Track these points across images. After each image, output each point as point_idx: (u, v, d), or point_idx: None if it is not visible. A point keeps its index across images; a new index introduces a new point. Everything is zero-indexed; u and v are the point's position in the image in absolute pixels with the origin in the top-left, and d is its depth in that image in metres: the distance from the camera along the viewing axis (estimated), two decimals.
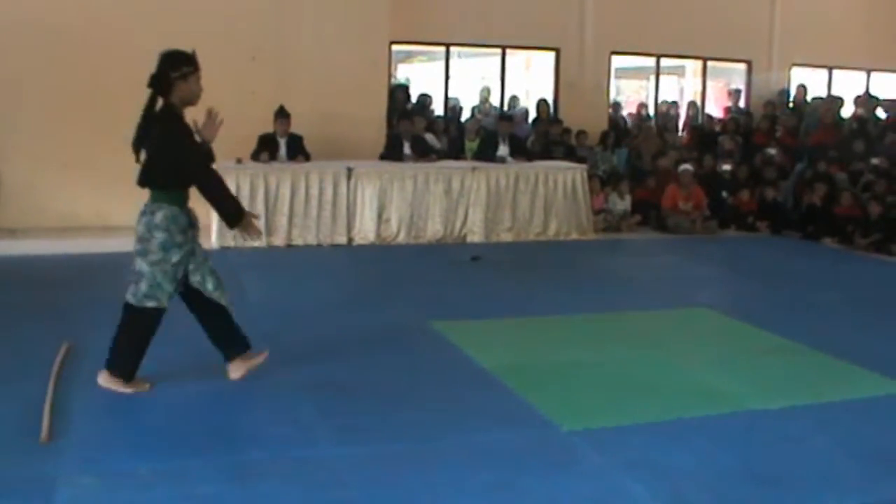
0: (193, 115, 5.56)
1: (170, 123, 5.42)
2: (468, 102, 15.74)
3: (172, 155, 5.42)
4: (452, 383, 5.94)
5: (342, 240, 11.08)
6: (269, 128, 11.46)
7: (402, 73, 16.75)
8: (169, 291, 5.49)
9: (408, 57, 17.31)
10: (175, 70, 5.40)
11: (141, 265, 5.44)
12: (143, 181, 5.49)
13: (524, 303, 8.41)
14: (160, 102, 5.44)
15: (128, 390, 5.51)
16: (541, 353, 6.69)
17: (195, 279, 5.59)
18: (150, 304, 5.45)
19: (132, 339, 5.52)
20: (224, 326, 5.77)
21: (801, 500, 4.33)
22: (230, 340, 5.80)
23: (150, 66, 5.42)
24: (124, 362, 5.53)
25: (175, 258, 5.44)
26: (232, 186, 10.33)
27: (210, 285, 5.63)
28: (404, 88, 14.45)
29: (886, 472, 4.68)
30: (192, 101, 5.52)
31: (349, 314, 7.70)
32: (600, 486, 4.38)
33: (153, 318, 5.51)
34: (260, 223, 10.53)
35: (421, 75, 17.39)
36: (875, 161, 13.50)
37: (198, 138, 5.56)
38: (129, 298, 5.48)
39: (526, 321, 7.71)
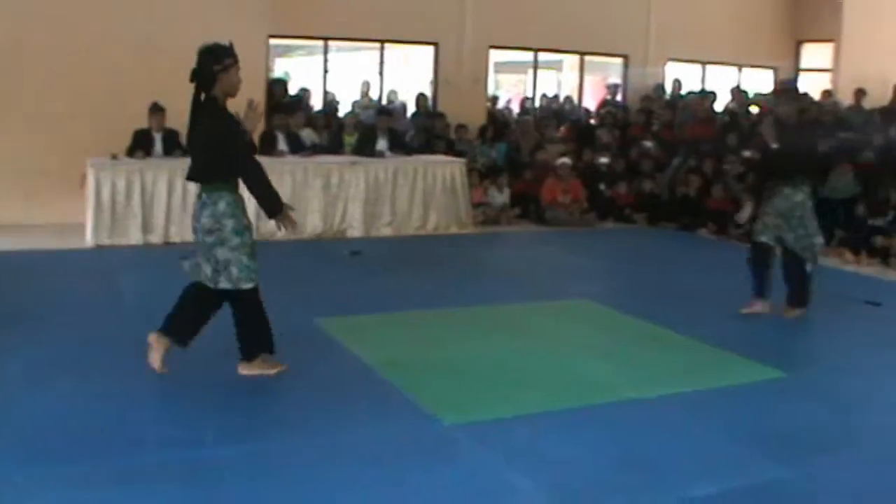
0: None
1: (218, 117, 5.64)
2: (347, 97, 15.68)
3: (223, 148, 5.60)
4: (338, 380, 5.98)
5: None
6: (144, 123, 11.22)
7: (281, 67, 16.60)
8: (256, 269, 5.76)
9: (286, 51, 17.20)
10: (218, 63, 5.66)
11: (223, 254, 5.67)
12: (195, 175, 5.76)
13: (405, 297, 8.47)
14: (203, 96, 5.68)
15: (272, 371, 5.91)
16: (422, 347, 6.76)
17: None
18: (248, 285, 5.76)
19: (250, 321, 5.87)
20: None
21: (681, 486, 4.49)
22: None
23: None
24: (255, 345, 5.90)
25: (249, 239, 5.74)
26: (107, 183, 10.23)
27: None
28: (282, 83, 14.34)
29: (761, 455, 4.90)
30: (232, 92, 5.74)
31: (231, 313, 7.60)
32: (484, 479, 4.48)
33: (255, 296, 5.83)
34: (136, 220, 10.40)
35: (299, 70, 17.29)
36: (747, 153, 13.86)
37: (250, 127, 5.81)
38: (226, 285, 5.73)
39: (407, 316, 7.77)
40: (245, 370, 5.90)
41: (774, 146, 7.88)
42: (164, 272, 9.17)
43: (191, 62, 11.83)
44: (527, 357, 6.58)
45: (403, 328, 7.35)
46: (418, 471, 4.52)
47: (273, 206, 5.88)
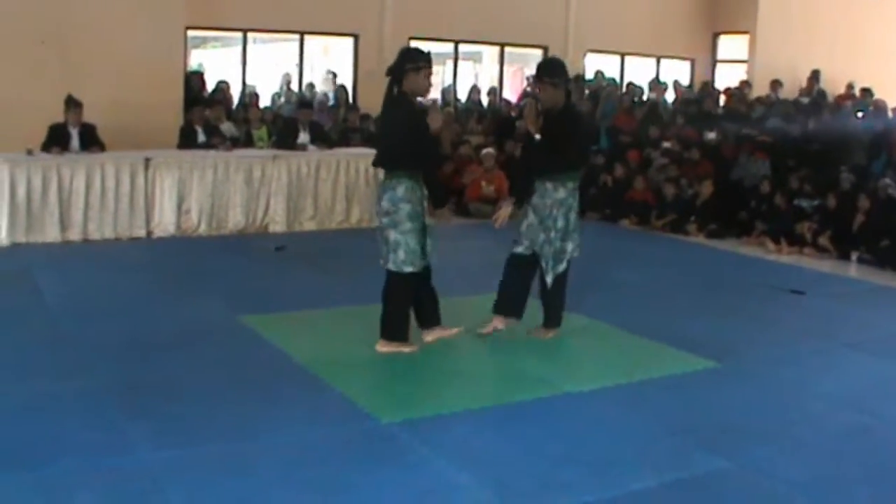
0: None
1: (405, 110, 6.19)
2: (267, 89, 15.46)
3: (409, 139, 6.14)
4: (268, 380, 5.85)
5: (141, 233, 10.68)
6: (59, 117, 10.92)
7: (196, 59, 16.29)
8: (421, 256, 6.26)
9: (202, 42, 16.90)
10: (410, 62, 6.15)
11: (395, 236, 6.21)
12: (380, 161, 6.45)
13: (332, 293, 8.35)
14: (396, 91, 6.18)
15: (406, 349, 6.38)
16: (353, 344, 6.62)
17: (429, 251, 6.32)
18: (408, 269, 6.23)
19: (399, 304, 6.36)
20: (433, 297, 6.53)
21: (622, 480, 4.49)
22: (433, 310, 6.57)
23: None
24: (398, 326, 6.36)
25: (420, 225, 6.22)
26: (22, 179, 9.96)
27: (435, 258, 6.40)
28: (199, 75, 14.09)
29: (700, 446, 4.93)
30: (420, 92, 6.28)
31: (154, 311, 7.47)
32: (425, 477, 4.43)
33: (411, 282, 6.31)
34: (54, 217, 10.14)
35: (216, 62, 17.00)
36: (667, 144, 14.04)
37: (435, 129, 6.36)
38: (391, 266, 6.27)
39: (336, 312, 7.65)
40: (383, 347, 6.40)
41: (537, 136, 6.76)
42: (85, 269, 9.03)
43: (103, 56, 11.73)
44: (458, 352, 6.53)
45: (332, 325, 7.21)
46: (358, 471, 4.44)
47: (440, 199, 6.53)
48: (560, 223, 6.79)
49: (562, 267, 6.85)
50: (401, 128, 6.22)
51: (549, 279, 6.80)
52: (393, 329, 6.40)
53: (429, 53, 6.32)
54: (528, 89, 17.04)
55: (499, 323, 6.91)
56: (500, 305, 6.92)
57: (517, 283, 6.89)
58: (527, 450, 4.83)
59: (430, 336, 6.57)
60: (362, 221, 12.06)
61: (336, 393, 5.56)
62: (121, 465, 4.42)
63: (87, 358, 6.06)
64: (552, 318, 6.97)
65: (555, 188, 6.75)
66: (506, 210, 6.71)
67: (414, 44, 15.98)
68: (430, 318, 6.60)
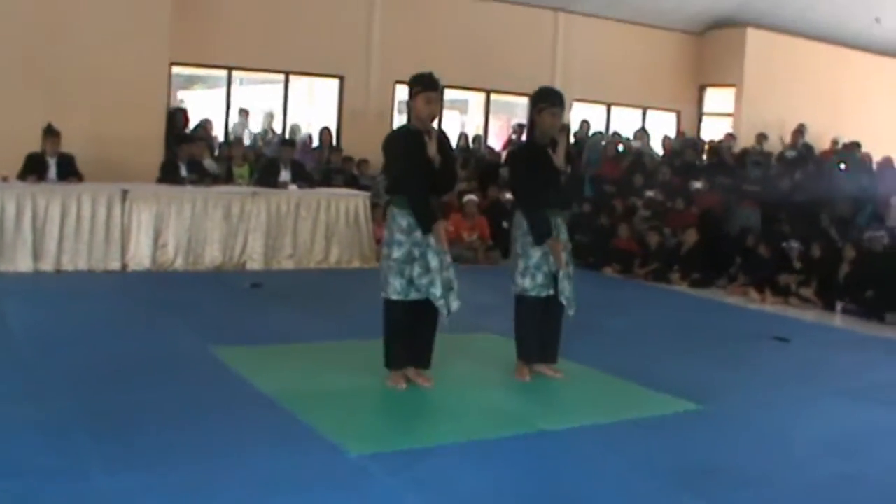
0: None
1: (394, 140, 6.25)
2: (251, 129, 15.37)
3: (396, 163, 6.25)
4: (235, 409, 5.64)
5: (116, 265, 10.48)
6: (38, 146, 10.77)
7: (182, 98, 16.21)
8: (395, 287, 6.07)
9: (188, 83, 16.82)
10: (410, 88, 6.17)
11: (382, 262, 6.27)
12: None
13: (305, 329, 8.17)
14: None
15: (393, 385, 6.23)
16: (325, 378, 6.43)
17: (421, 282, 6.09)
18: (393, 296, 6.11)
19: (386, 330, 6.25)
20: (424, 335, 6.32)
21: None
22: (419, 349, 6.33)
23: None
24: (387, 354, 6.27)
25: (395, 254, 6.06)
26: None
27: (437, 291, 6.10)
28: (183, 112, 13.97)
29: (680, 488, 4.71)
30: (421, 118, 6.13)
31: (122, 340, 7.26)
32: None
33: (397, 311, 6.15)
34: (27, 246, 9.95)
35: (202, 102, 16.90)
36: (650, 193, 13.97)
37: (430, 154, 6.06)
38: (382, 291, 6.21)
39: (308, 347, 7.44)
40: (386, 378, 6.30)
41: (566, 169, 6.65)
42: (54, 298, 8.83)
43: (91, 86, 11.68)
44: (434, 389, 6.32)
45: (304, 359, 6.97)
46: (322, 501, 4.23)
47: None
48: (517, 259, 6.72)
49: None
50: (389, 154, 6.27)
51: (571, 312, 6.75)
52: (386, 357, 6.30)
53: (426, 76, 6.15)
54: (514, 136, 17.03)
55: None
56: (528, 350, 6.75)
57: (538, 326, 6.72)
58: (502, 488, 4.62)
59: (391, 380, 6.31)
60: (341, 262, 11.92)
61: (304, 425, 5.34)
62: (75, 490, 4.19)
63: (47, 383, 5.84)
64: (555, 353, 6.87)
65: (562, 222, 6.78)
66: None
67: (400, 88, 16.15)
68: (412, 357, 6.36)
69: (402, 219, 6.13)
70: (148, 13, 12.84)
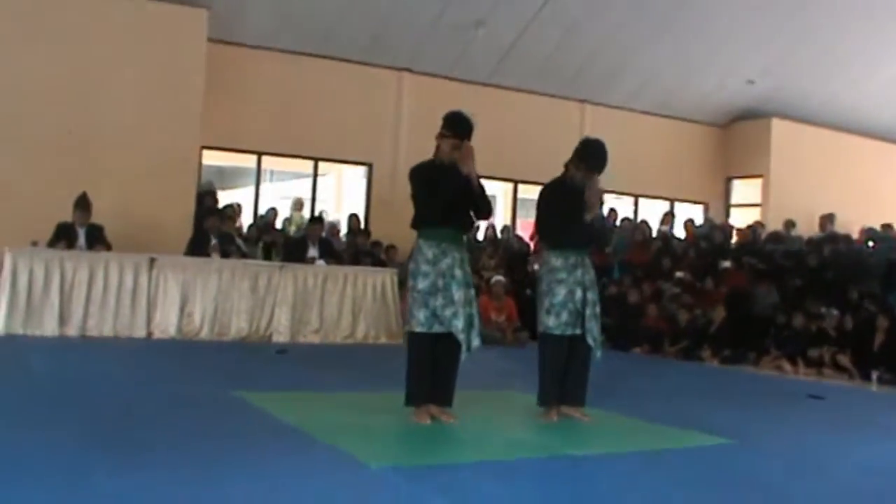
0: None
1: (420, 170, 6.23)
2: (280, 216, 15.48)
3: (421, 195, 6.16)
4: (254, 434, 5.51)
5: (141, 333, 10.45)
6: (68, 217, 10.89)
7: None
8: (419, 319, 6.01)
9: (219, 179, 17.00)
10: (442, 127, 6.22)
11: (410, 296, 6.21)
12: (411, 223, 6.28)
13: (329, 383, 8.08)
14: None
15: (413, 419, 6.07)
16: (347, 414, 6.28)
17: (445, 314, 6.00)
18: (417, 328, 6.04)
19: (409, 363, 6.14)
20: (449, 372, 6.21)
21: None
22: (441, 386, 6.18)
23: None
24: (408, 388, 6.12)
25: (420, 286, 6.03)
26: (24, 270, 9.82)
27: (459, 324, 6.00)
28: (212, 193, 14.08)
29: (705, 498, 4.52)
30: (442, 158, 6.18)
31: (145, 388, 7.15)
32: None
33: (420, 343, 6.07)
34: (53, 311, 9.95)
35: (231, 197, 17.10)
36: (679, 274, 13.91)
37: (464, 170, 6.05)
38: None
39: (331, 395, 7.31)
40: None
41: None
42: (79, 358, 8.77)
43: (123, 163, 11.92)
44: (461, 426, 6.12)
45: (326, 402, 6.85)
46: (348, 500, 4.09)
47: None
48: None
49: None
50: (415, 183, 6.20)
51: (598, 354, 6.63)
52: (407, 393, 6.15)
53: (459, 122, 6.20)
54: None
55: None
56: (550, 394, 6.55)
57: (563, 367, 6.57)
58: (528, 493, 4.47)
59: (418, 417, 6.13)
60: (368, 337, 11.83)
61: (323, 444, 5.20)
62: (79, 496, 4.04)
63: (65, 415, 5.76)
64: (583, 396, 6.66)
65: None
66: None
67: None
68: (433, 395, 6.19)
69: (428, 249, 6.09)
70: (181, 96, 13.09)
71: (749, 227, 15.73)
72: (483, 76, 16.40)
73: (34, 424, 5.42)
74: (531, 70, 16.64)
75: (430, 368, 6.12)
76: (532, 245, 15.84)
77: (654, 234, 16.03)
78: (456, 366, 6.22)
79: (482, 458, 5.18)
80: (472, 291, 6.22)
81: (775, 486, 4.92)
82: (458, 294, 6.02)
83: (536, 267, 6.69)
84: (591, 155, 6.63)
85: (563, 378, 6.52)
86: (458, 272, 6.07)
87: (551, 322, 6.46)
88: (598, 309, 6.64)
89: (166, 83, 12.99)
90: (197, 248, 11.57)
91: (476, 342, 6.14)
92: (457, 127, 6.18)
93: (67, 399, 6.33)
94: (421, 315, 6.02)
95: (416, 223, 6.23)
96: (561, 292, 6.46)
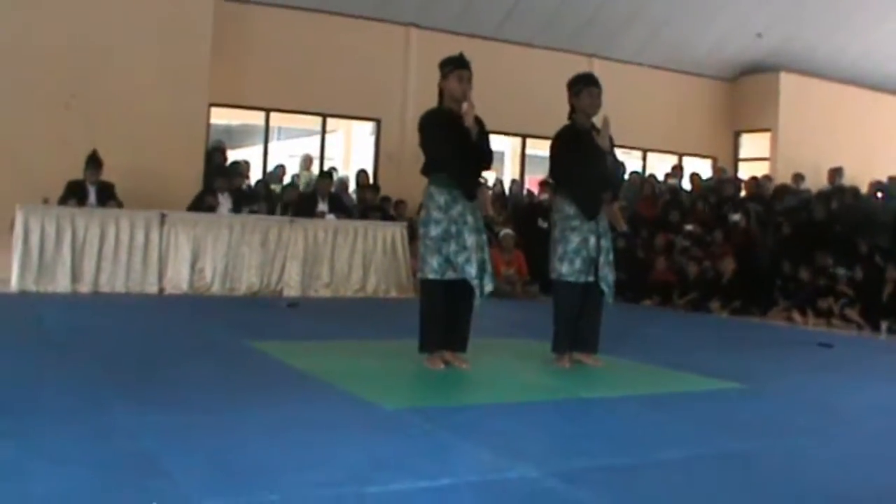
0: None
1: (429, 118, 6.21)
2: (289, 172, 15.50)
3: (426, 141, 6.18)
4: (269, 378, 5.59)
5: (153, 289, 10.52)
6: (80, 173, 10.93)
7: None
8: (432, 266, 6.01)
9: (226, 138, 16.99)
10: (441, 70, 6.23)
11: (421, 244, 6.22)
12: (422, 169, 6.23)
13: (341, 332, 8.18)
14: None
15: (426, 364, 6.10)
16: (361, 361, 6.36)
17: (458, 260, 6.02)
18: (430, 275, 6.06)
19: (423, 311, 6.14)
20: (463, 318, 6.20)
21: (645, 452, 4.15)
22: (455, 332, 6.18)
23: None
24: (422, 335, 6.16)
25: (433, 233, 6.03)
26: (36, 228, 9.85)
27: (472, 270, 6.02)
28: (221, 150, 14.07)
29: (723, 434, 4.59)
30: (455, 97, 6.15)
31: (158, 336, 7.26)
32: (426, 444, 4.10)
33: (434, 291, 6.09)
34: (65, 268, 10.01)
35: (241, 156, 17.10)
36: (689, 227, 13.92)
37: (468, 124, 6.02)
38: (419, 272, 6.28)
39: (343, 343, 7.39)
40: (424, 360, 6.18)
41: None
42: (91, 312, 8.84)
43: (133, 122, 11.92)
44: (476, 371, 6.15)
45: (339, 350, 6.94)
46: (360, 438, 4.13)
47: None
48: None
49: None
50: (425, 132, 6.21)
51: (610, 300, 6.66)
52: (421, 340, 6.19)
53: (457, 57, 6.22)
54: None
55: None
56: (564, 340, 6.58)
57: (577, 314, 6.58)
58: (541, 428, 4.55)
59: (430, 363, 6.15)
60: (378, 291, 11.89)
61: (339, 389, 5.24)
62: (98, 423, 4.12)
63: (79, 359, 5.84)
64: (595, 343, 6.70)
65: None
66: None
67: None
68: (447, 340, 6.20)
69: (440, 196, 6.09)
70: (189, 54, 13.05)
71: (752, 178, 15.68)
72: (490, 31, 16.31)
73: (51, 368, 5.52)
74: (538, 24, 16.58)
75: (443, 315, 6.15)
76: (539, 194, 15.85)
77: (662, 187, 16.03)
78: (470, 312, 6.25)
79: (496, 400, 5.25)
80: (484, 237, 6.25)
81: (783, 423, 4.97)
82: (470, 240, 6.05)
83: (545, 225, 6.69)
84: (573, 82, 6.77)
85: (576, 325, 6.56)
86: (469, 218, 6.09)
87: (565, 269, 6.47)
88: (611, 256, 6.65)
89: (174, 41, 12.95)
90: (202, 204, 11.59)
91: (489, 287, 6.16)
92: (456, 61, 6.21)
93: (83, 348, 6.40)
94: (434, 262, 6.04)
95: (427, 169, 6.24)
96: (575, 240, 6.46)
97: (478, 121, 6.21)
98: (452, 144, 6.04)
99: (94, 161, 10.93)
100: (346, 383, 5.38)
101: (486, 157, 6.31)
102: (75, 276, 10.15)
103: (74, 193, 10.74)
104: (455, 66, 6.17)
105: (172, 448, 3.72)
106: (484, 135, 6.25)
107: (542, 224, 13.58)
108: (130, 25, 12.69)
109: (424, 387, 5.73)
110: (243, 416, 4.42)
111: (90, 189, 10.92)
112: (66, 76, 12.25)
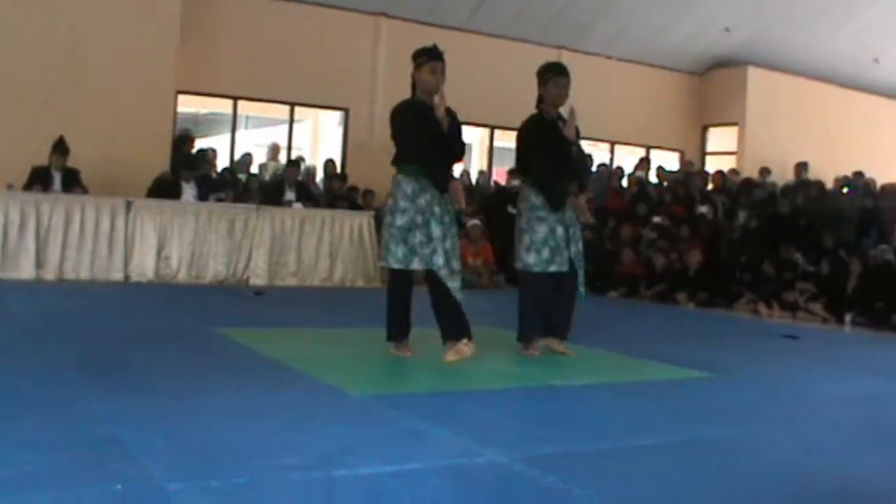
0: None
1: (401, 110, 6.13)
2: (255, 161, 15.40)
3: (397, 132, 6.10)
4: (236, 364, 5.56)
5: (118, 276, 10.41)
6: (45, 159, 10.83)
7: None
8: (396, 255, 5.94)
9: (194, 127, 16.87)
10: (413, 62, 6.14)
11: (385, 231, 6.18)
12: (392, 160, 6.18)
13: (309, 321, 8.16)
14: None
15: (393, 351, 6.11)
16: (327, 348, 6.33)
17: (424, 252, 5.92)
18: (382, 263, 6.19)
19: (388, 299, 6.17)
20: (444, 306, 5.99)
21: (618, 437, 4.18)
22: (448, 321, 5.99)
23: None
24: (388, 324, 6.17)
25: (398, 222, 5.95)
26: None
27: (439, 260, 5.91)
28: (189, 138, 13.95)
29: (698, 421, 4.61)
30: (428, 89, 6.08)
31: (125, 322, 7.21)
32: (393, 429, 4.07)
33: (391, 279, 6.17)
34: (29, 254, 9.91)
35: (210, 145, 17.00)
36: (657, 219, 13.97)
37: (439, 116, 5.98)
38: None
39: (310, 331, 7.39)
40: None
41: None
42: (57, 298, 8.75)
43: (99, 108, 11.81)
44: (438, 358, 6.12)
45: (305, 337, 6.93)
46: (326, 424, 4.10)
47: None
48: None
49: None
50: (396, 123, 6.12)
51: (582, 290, 6.61)
52: (388, 329, 6.18)
53: (431, 48, 6.16)
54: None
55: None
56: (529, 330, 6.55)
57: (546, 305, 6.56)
58: (510, 415, 4.53)
59: (449, 355, 5.93)
60: (345, 281, 11.85)
61: (305, 375, 5.21)
62: (64, 409, 4.08)
63: (47, 345, 5.78)
64: (566, 331, 6.66)
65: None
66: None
67: None
68: (445, 331, 6.06)
69: (407, 185, 6.01)
70: (157, 41, 12.95)
71: (719, 171, 15.78)
72: (460, 21, 16.29)
73: (17, 354, 5.46)
74: (508, 15, 16.57)
75: (408, 305, 6.13)
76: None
77: (629, 180, 16.10)
78: (446, 299, 6.10)
79: (464, 387, 5.23)
80: (454, 229, 6.20)
81: (753, 411, 5.00)
82: (437, 231, 5.99)
83: (514, 211, 6.66)
84: (542, 71, 6.74)
85: (547, 314, 6.54)
86: (437, 209, 6.02)
87: (531, 259, 6.44)
88: (581, 245, 6.62)
89: (142, 27, 12.83)
90: (165, 191, 11.49)
91: (454, 284, 5.99)
92: (430, 52, 6.15)
93: (48, 334, 6.33)
94: (399, 251, 5.97)
95: (397, 160, 6.18)
96: (541, 230, 6.43)
97: (450, 113, 6.17)
98: (424, 136, 6.00)
99: (60, 147, 10.81)
100: (313, 370, 5.34)
101: (457, 150, 6.28)
102: (39, 263, 10.03)
103: (39, 179, 10.62)
104: (429, 57, 6.10)
105: (138, 432, 3.67)
106: (456, 127, 6.22)
107: (512, 210, 13.62)
108: (97, 11, 12.57)
109: (392, 374, 5.72)
110: (210, 402, 4.39)
111: (55, 175, 10.80)
112: (31, 62, 12.12)
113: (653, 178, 16.23)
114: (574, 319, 6.67)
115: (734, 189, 14.82)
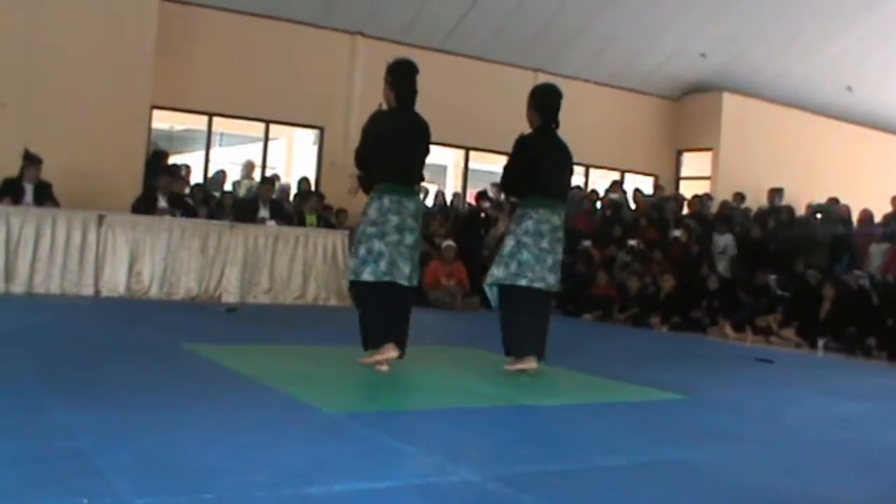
0: None
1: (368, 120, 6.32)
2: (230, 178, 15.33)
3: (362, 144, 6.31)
4: (206, 380, 5.49)
5: (89, 291, 10.30)
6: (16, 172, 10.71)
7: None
8: (368, 267, 5.97)
9: (167, 144, 16.80)
10: (388, 73, 6.37)
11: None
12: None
13: (280, 338, 8.07)
14: None
15: (364, 360, 6.09)
16: (300, 365, 6.27)
17: (397, 263, 6.02)
18: (351, 276, 6.19)
19: (360, 310, 6.22)
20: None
21: (588, 458, 4.14)
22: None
23: None
24: (362, 334, 6.18)
25: (369, 230, 6.02)
26: None
27: (407, 269, 6.07)
28: (163, 154, 13.89)
29: (669, 442, 4.57)
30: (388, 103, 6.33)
31: (94, 334, 7.14)
32: (366, 447, 4.01)
33: (361, 292, 6.14)
34: None
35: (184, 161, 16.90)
36: (632, 242, 14.00)
37: None
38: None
39: (282, 347, 7.32)
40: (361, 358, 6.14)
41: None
42: (26, 312, 8.64)
43: (73, 121, 11.71)
44: (415, 376, 6.13)
45: (278, 354, 6.82)
46: (298, 440, 4.05)
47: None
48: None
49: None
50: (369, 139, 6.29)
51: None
52: (363, 339, 6.21)
53: (395, 64, 6.34)
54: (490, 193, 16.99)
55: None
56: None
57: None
58: (482, 433, 4.49)
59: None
60: (318, 299, 11.79)
61: (276, 392, 5.15)
62: (30, 422, 3.99)
63: (11, 357, 5.68)
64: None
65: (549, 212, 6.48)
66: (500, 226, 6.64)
67: None
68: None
69: (376, 200, 6.09)
70: (132, 55, 12.90)
71: (695, 196, 15.83)
72: (437, 42, 16.31)
73: None
74: (484, 37, 16.60)
75: (384, 312, 6.11)
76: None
77: (603, 202, 16.13)
78: (408, 312, 6.27)
79: (436, 406, 5.20)
80: (420, 238, 6.32)
81: (726, 433, 4.97)
82: (409, 239, 6.08)
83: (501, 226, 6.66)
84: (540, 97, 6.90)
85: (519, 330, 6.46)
86: (409, 221, 6.09)
87: (500, 273, 6.41)
88: (556, 258, 6.48)
89: (117, 42, 12.78)
90: (144, 204, 11.40)
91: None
92: (389, 70, 6.37)
93: (16, 347, 6.22)
94: (370, 263, 5.99)
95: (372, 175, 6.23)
96: (509, 244, 6.42)
97: (422, 127, 6.21)
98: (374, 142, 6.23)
99: (30, 159, 10.68)
100: (284, 387, 5.28)
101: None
102: (9, 276, 9.91)
103: (9, 191, 10.49)
104: (389, 75, 6.35)
105: (106, 447, 3.60)
106: (425, 136, 6.40)
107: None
108: (72, 23, 12.50)
109: (365, 391, 5.67)
110: (180, 417, 4.31)
111: (27, 188, 10.68)
112: (3, 73, 12.00)
113: (630, 202, 16.25)
114: (547, 342, 6.60)
115: (707, 214, 14.85)
